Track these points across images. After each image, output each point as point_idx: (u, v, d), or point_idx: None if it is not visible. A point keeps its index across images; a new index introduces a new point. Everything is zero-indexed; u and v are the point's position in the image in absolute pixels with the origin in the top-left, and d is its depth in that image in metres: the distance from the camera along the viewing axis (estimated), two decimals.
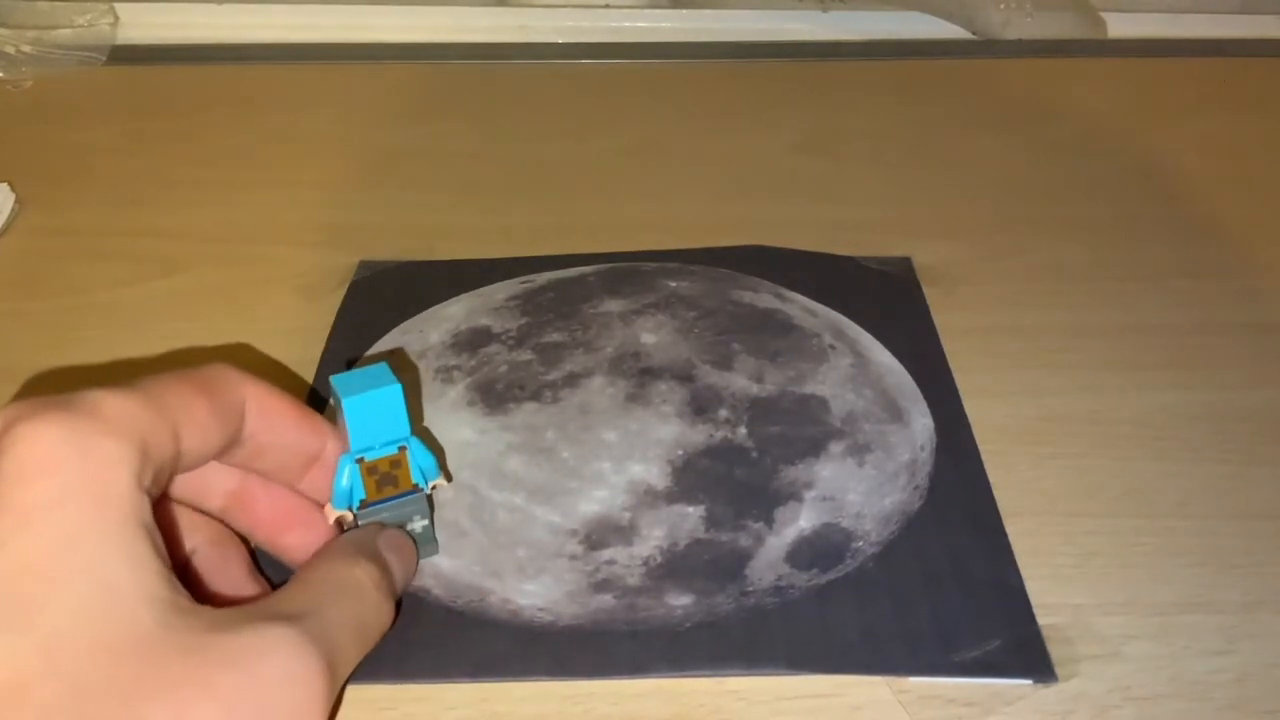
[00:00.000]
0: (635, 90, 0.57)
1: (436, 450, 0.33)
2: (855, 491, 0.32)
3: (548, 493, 0.32)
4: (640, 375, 0.35)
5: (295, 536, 0.28)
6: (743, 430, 0.34)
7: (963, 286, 0.42)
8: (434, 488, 0.29)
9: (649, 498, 0.32)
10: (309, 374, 0.37)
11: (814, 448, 0.33)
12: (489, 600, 0.29)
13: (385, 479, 0.28)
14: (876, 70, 0.59)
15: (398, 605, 0.27)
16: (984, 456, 0.34)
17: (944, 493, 0.32)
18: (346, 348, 0.38)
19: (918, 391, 0.36)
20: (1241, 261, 0.43)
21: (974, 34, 0.62)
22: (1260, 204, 0.47)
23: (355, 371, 0.27)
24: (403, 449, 0.28)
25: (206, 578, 0.27)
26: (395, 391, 0.27)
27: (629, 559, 0.30)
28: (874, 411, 0.35)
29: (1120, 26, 0.63)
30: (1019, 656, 0.28)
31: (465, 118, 0.54)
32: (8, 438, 0.21)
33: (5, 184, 0.46)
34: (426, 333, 0.38)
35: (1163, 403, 0.36)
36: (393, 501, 0.28)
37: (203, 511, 0.28)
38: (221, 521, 0.28)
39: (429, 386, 0.36)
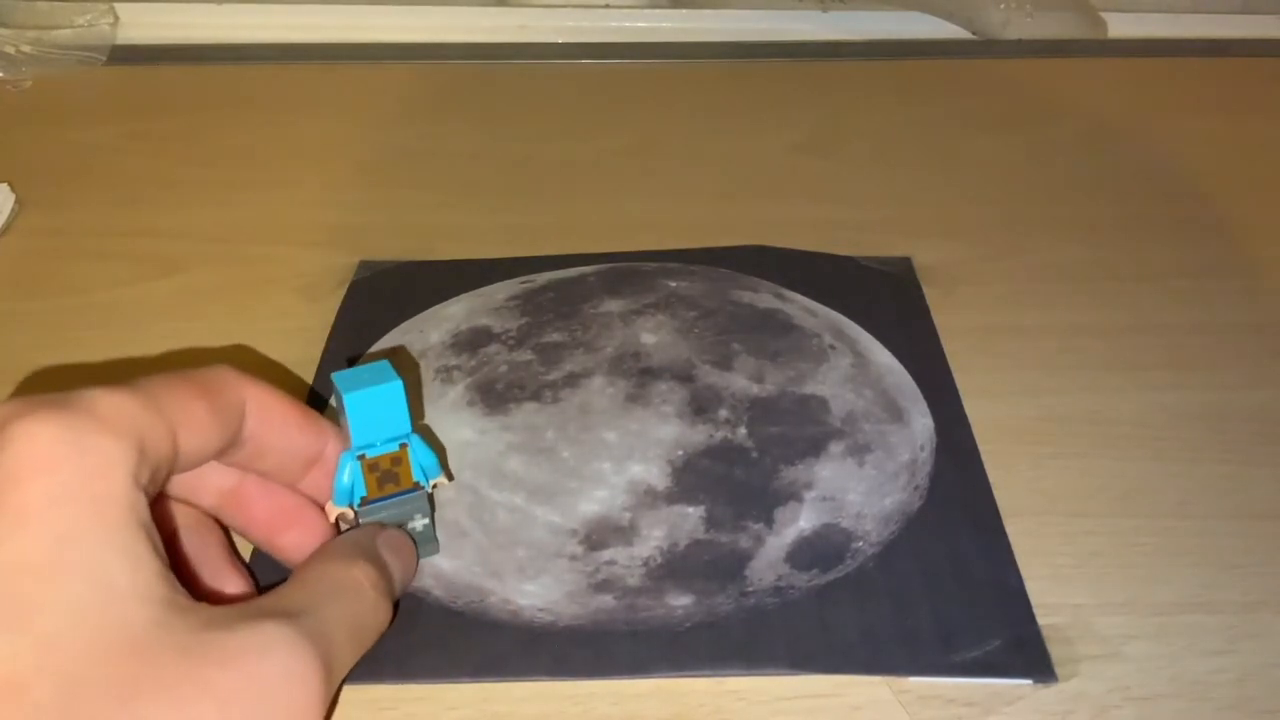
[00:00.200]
0: (635, 90, 0.57)
1: (438, 449, 0.33)
2: (855, 491, 0.32)
3: (548, 493, 0.32)
4: (640, 375, 0.35)
5: (292, 536, 0.28)
6: (743, 430, 0.34)
7: (963, 286, 0.42)
8: (435, 486, 0.29)
9: (649, 498, 0.32)
10: (309, 374, 0.37)
11: (814, 448, 0.33)
12: (489, 601, 0.29)
13: (386, 476, 0.28)
14: (876, 70, 0.59)
15: (396, 606, 0.27)
16: (984, 456, 0.34)
17: (944, 493, 0.32)
18: (346, 348, 0.38)
19: (918, 391, 0.36)
20: (1241, 261, 0.43)
21: (974, 34, 0.62)
22: (1260, 204, 0.47)
23: (357, 369, 0.27)
24: (404, 446, 0.28)
25: (189, 565, 0.27)
26: (396, 388, 0.27)
27: (629, 559, 0.30)
28: (874, 411, 0.35)
29: (1120, 26, 0.63)
30: (1019, 656, 0.28)
31: (465, 118, 0.54)
32: (4, 436, 0.21)
33: (5, 184, 0.46)
34: (426, 333, 0.38)
35: (1163, 403, 0.36)
36: (394, 499, 0.28)
37: (196, 508, 0.28)
38: (215, 519, 0.28)
39: (429, 387, 0.36)
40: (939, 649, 0.28)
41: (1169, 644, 0.29)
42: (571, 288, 0.40)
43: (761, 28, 0.63)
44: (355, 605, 0.25)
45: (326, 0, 0.63)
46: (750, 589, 0.30)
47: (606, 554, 0.30)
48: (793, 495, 0.32)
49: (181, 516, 0.27)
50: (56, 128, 0.53)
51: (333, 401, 0.28)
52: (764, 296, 0.40)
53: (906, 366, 0.37)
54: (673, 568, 0.30)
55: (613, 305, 0.39)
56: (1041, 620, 0.29)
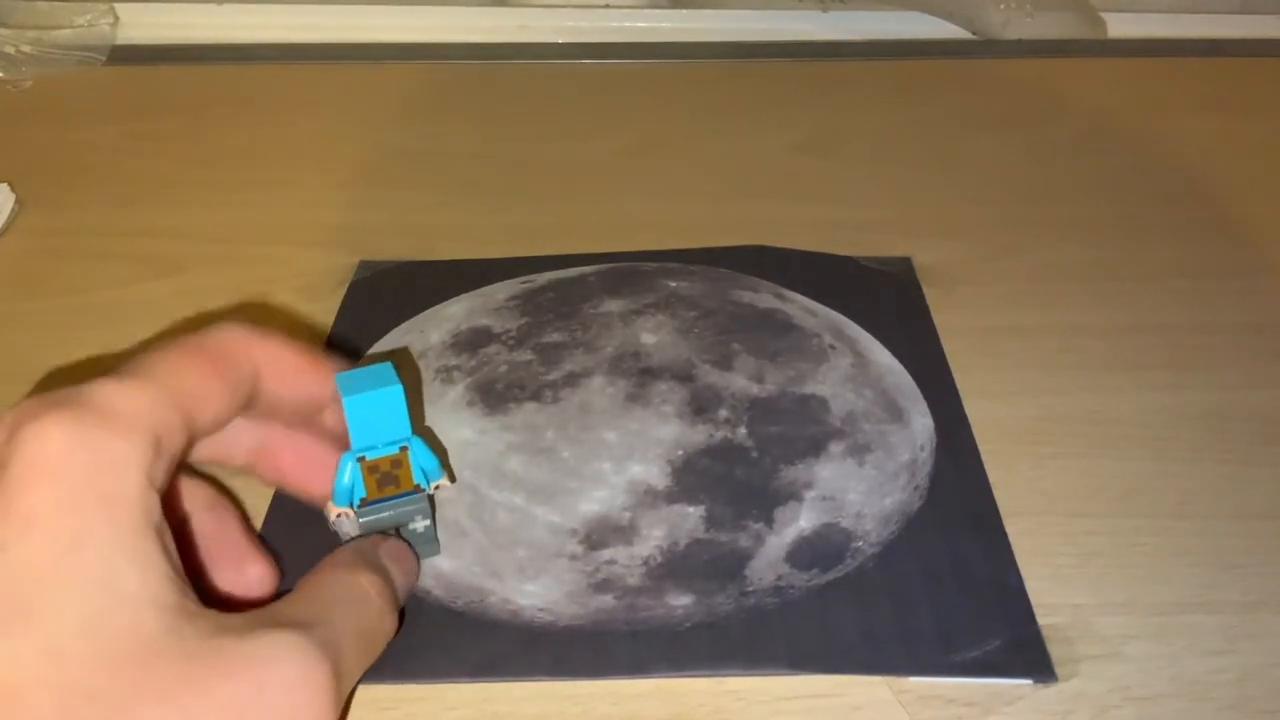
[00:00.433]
0: (635, 90, 0.57)
1: (440, 451, 0.33)
2: (855, 491, 0.32)
3: (548, 493, 0.32)
4: (640, 375, 0.35)
5: (324, 483, 0.28)
6: (743, 430, 0.34)
7: (963, 286, 0.42)
8: (436, 488, 0.29)
9: (649, 498, 0.32)
10: None
11: (814, 448, 0.33)
12: (489, 601, 0.29)
13: (386, 478, 0.28)
14: (876, 70, 0.59)
15: (401, 615, 0.27)
16: (984, 456, 0.34)
17: (944, 493, 0.32)
18: (347, 348, 0.38)
19: (918, 391, 0.36)
20: (1241, 261, 0.43)
21: (974, 34, 0.62)
22: (1260, 204, 0.47)
23: (360, 370, 0.27)
24: (404, 449, 0.28)
25: (204, 544, 0.27)
26: (396, 392, 0.27)
27: (629, 559, 0.30)
28: (874, 411, 0.35)
29: (1120, 26, 0.63)
30: (1019, 656, 0.28)
31: (465, 118, 0.54)
32: (16, 438, 0.21)
33: (5, 184, 0.46)
34: (427, 333, 0.38)
35: (1163, 403, 0.36)
36: (394, 501, 0.28)
37: (228, 469, 0.28)
38: (253, 475, 0.28)
39: (429, 387, 0.36)
40: (939, 649, 0.28)
41: (1169, 644, 0.29)
42: (571, 288, 0.40)
43: (761, 28, 0.63)
44: (363, 614, 0.25)
45: (326, 0, 0.63)
46: (750, 588, 0.30)
47: (606, 553, 0.30)
48: (793, 495, 0.32)
49: (198, 498, 0.27)
50: (56, 128, 0.53)
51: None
52: (764, 296, 0.40)
53: (906, 366, 0.37)
54: (673, 567, 0.30)
55: (613, 305, 0.39)
56: (1041, 620, 0.29)
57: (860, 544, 0.31)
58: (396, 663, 0.28)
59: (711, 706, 0.27)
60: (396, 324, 0.39)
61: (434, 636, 0.28)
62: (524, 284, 0.41)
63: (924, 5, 0.62)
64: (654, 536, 0.31)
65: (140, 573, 0.21)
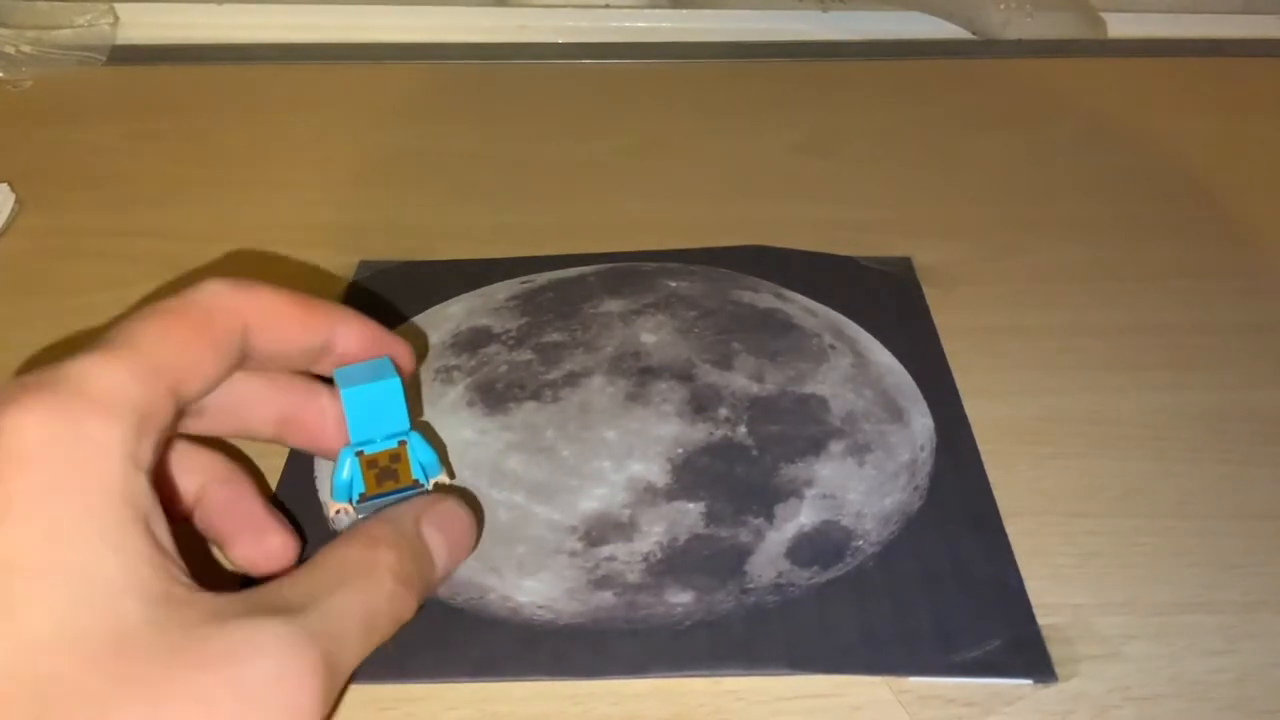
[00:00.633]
0: (635, 90, 0.57)
1: (438, 446, 0.33)
2: (855, 491, 0.32)
3: (548, 491, 0.32)
4: (640, 375, 0.35)
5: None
6: (743, 429, 0.34)
7: (963, 286, 0.42)
8: (435, 485, 0.29)
9: (649, 495, 0.32)
10: None
11: (814, 447, 0.33)
12: (489, 598, 0.29)
13: (385, 473, 0.28)
14: (876, 70, 0.59)
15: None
16: (984, 456, 0.34)
17: (944, 493, 0.32)
18: None
19: (918, 391, 0.36)
20: (1241, 261, 0.43)
21: (974, 34, 0.62)
22: (1260, 204, 0.47)
23: (357, 365, 0.27)
24: (403, 444, 0.28)
25: (219, 516, 0.26)
26: (394, 385, 0.27)
27: (629, 555, 0.30)
28: (874, 411, 0.35)
29: (1120, 26, 0.63)
30: (1019, 656, 0.28)
31: (465, 118, 0.54)
32: None
33: (5, 184, 0.46)
34: (427, 333, 0.38)
35: (1163, 403, 0.36)
36: (393, 496, 0.28)
37: (255, 440, 0.28)
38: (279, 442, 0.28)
39: (429, 387, 0.36)
40: (939, 649, 0.28)
41: (1169, 644, 0.29)
42: (571, 288, 0.40)
43: (761, 28, 0.63)
44: (370, 594, 0.23)
45: (326, 0, 0.63)
46: (750, 585, 0.30)
47: (606, 550, 0.30)
48: (793, 492, 0.32)
49: (212, 470, 0.27)
50: (56, 128, 0.53)
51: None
52: (764, 296, 0.40)
53: (906, 366, 0.37)
54: (673, 563, 0.30)
55: (613, 305, 0.39)
56: (1041, 620, 0.29)
57: (860, 543, 0.31)
58: (396, 662, 0.28)
59: (711, 706, 0.27)
60: (396, 324, 0.39)
61: (434, 635, 0.28)
62: (524, 284, 0.41)
63: (924, 5, 0.62)
64: (654, 533, 0.31)
65: (122, 561, 0.20)
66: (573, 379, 0.35)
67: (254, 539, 0.26)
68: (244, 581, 0.28)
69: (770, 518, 0.31)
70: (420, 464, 0.28)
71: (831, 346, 0.37)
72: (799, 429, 0.34)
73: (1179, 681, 0.28)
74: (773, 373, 0.36)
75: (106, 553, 0.20)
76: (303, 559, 0.28)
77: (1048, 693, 0.27)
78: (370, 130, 0.53)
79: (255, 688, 0.20)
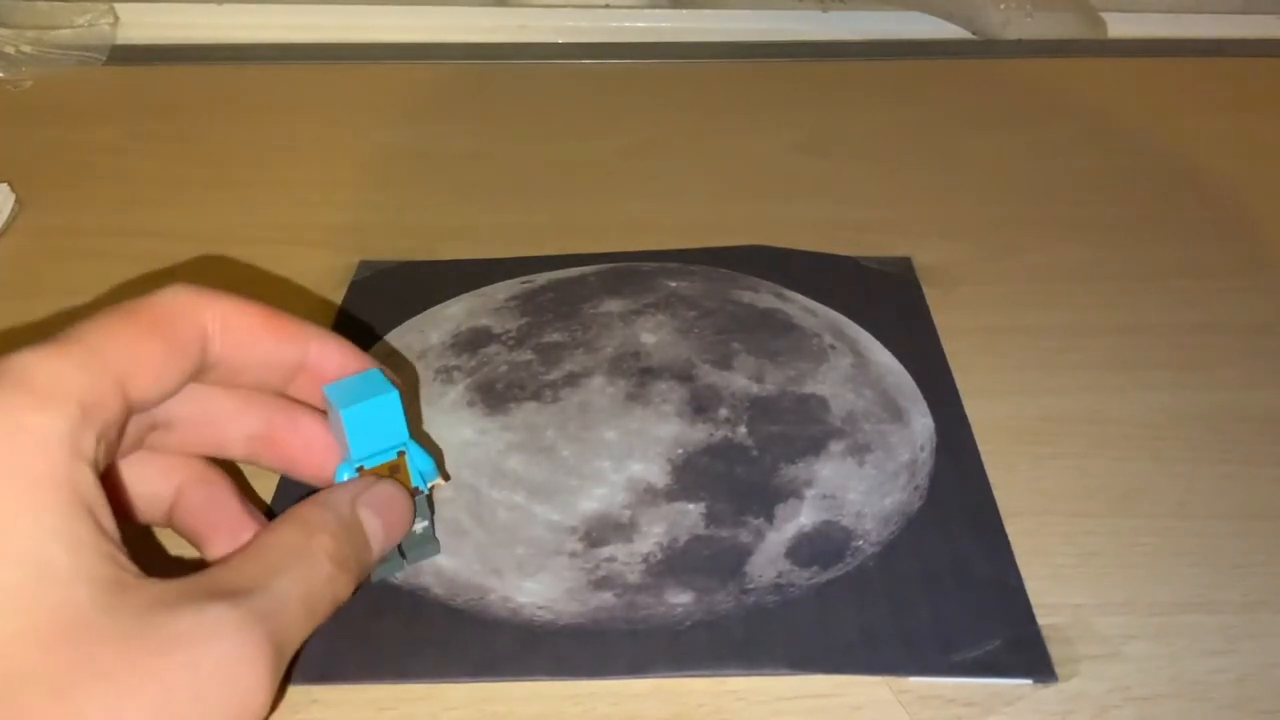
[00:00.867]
0: (635, 90, 0.57)
1: (434, 452, 0.33)
2: (855, 491, 0.32)
3: (548, 491, 0.32)
4: (640, 375, 0.35)
5: (336, 464, 0.27)
6: (743, 429, 0.34)
7: (963, 286, 0.42)
8: (433, 488, 0.29)
9: (649, 495, 0.32)
10: None
11: (814, 447, 0.33)
12: (489, 598, 0.29)
13: None
14: (876, 70, 0.59)
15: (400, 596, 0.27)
16: (984, 456, 0.34)
17: (944, 493, 0.32)
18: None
19: (918, 391, 0.36)
20: (1241, 261, 0.43)
21: (974, 34, 0.62)
22: (1260, 204, 0.47)
23: (348, 380, 0.27)
24: (401, 454, 0.28)
25: (195, 516, 0.26)
26: (393, 398, 0.27)
27: (629, 555, 0.30)
28: (874, 411, 0.35)
29: (1120, 26, 0.63)
30: (1019, 656, 0.28)
31: (465, 118, 0.54)
32: None
33: (5, 184, 0.46)
34: (426, 333, 0.38)
35: (1163, 403, 0.36)
36: None
37: (227, 459, 0.27)
38: (252, 463, 0.27)
39: (429, 387, 0.36)
40: (939, 649, 0.28)
41: (1169, 644, 0.29)
42: (571, 288, 0.40)
43: (761, 28, 0.63)
44: (309, 577, 0.24)
45: (326, 0, 0.63)
46: (750, 586, 0.30)
47: (606, 550, 0.30)
48: (793, 492, 0.32)
49: (187, 472, 0.27)
50: (56, 128, 0.53)
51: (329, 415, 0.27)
52: (764, 296, 0.40)
53: (906, 366, 0.37)
54: (673, 563, 0.30)
55: (613, 305, 0.39)
56: (1041, 620, 0.29)
57: (860, 543, 0.31)
58: (396, 662, 0.28)
59: (711, 706, 0.27)
60: (396, 324, 0.39)
61: (433, 635, 0.28)
62: (524, 284, 0.41)
63: (924, 5, 0.62)
64: (654, 533, 0.31)
65: (69, 549, 0.20)
66: (573, 379, 0.35)
67: (231, 537, 0.26)
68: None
69: (770, 518, 0.31)
70: (419, 472, 0.28)
71: (831, 346, 0.37)
72: (799, 429, 0.34)
73: (1179, 681, 0.28)
74: (773, 373, 0.36)
75: (52, 542, 0.20)
76: None
77: (1048, 693, 0.27)
78: (370, 130, 0.53)
79: (209, 670, 0.20)
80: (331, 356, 0.27)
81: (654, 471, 0.32)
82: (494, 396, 0.35)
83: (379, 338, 0.38)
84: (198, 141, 0.52)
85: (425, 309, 0.40)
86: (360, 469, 0.27)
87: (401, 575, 0.30)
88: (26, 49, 0.57)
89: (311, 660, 0.27)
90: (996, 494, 0.32)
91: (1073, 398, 0.36)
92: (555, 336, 0.37)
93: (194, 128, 0.53)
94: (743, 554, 0.30)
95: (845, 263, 0.42)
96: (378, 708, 0.27)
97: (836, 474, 0.32)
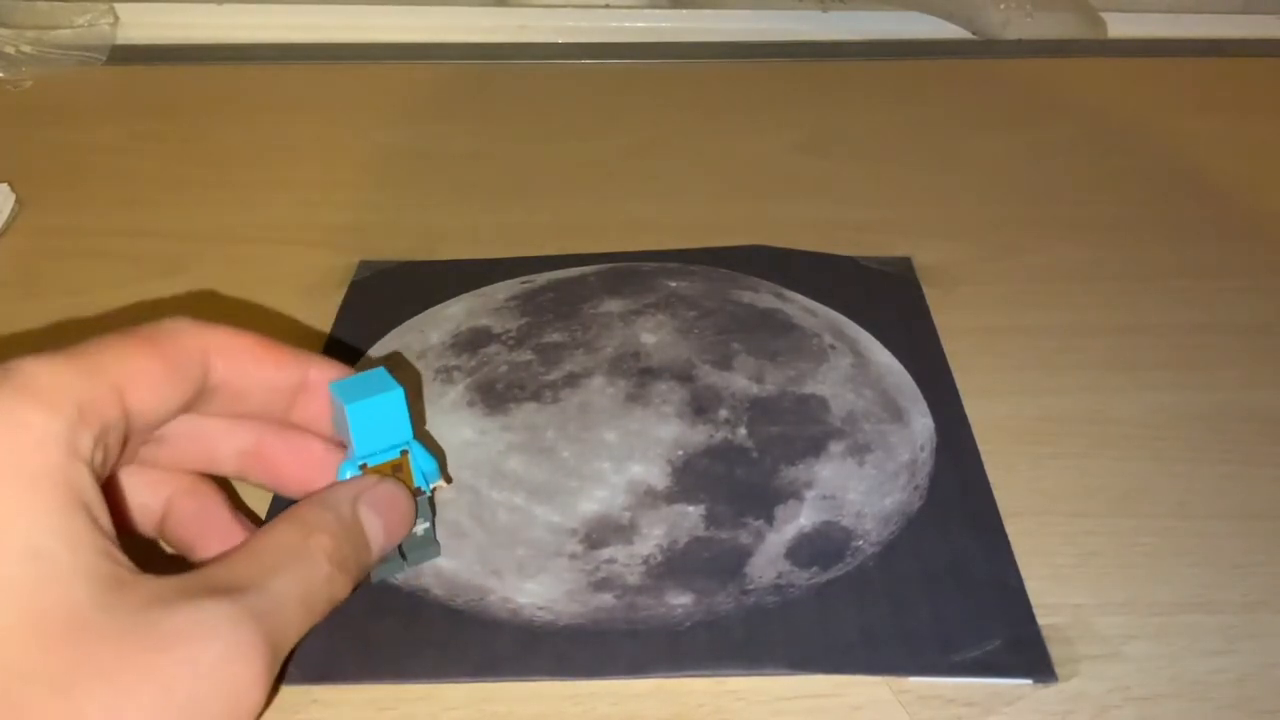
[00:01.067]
0: (635, 90, 0.57)
1: (437, 453, 0.33)
2: (855, 491, 0.32)
3: (548, 492, 0.32)
4: (640, 375, 0.35)
5: (324, 483, 0.27)
6: (743, 430, 0.34)
7: (963, 286, 0.42)
8: (435, 489, 0.29)
9: (649, 497, 0.32)
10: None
11: (814, 447, 0.33)
12: (489, 599, 0.29)
13: None
14: (876, 70, 0.59)
15: (401, 594, 0.27)
16: (984, 456, 0.34)
17: (944, 493, 0.32)
18: (346, 348, 0.38)
19: (918, 391, 0.36)
20: (1241, 261, 0.43)
21: (974, 34, 0.62)
22: (1260, 204, 0.47)
23: (353, 378, 0.27)
24: (405, 453, 0.28)
25: (190, 529, 0.27)
26: (398, 396, 0.27)
27: (629, 557, 0.30)
28: (874, 411, 0.35)
29: (1120, 26, 0.63)
30: (1019, 656, 0.28)
31: (465, 118, 0.54)
32: None
33: (5, 184, 0.46)
34: (427, 333, 0.38)
35: (1163, 403, 0.36)
36: None
37: (217, 475, 0.27)
38: (243, 479, 0.28)
39: (429, 387, 0.36)
40: (939, 649, 0.28)
41: (1169, 644, 0.29)
42: (571, 288, 0.40)
43: (761, 28, 0.63)
44: (307, 576, 0.24)
45: (326, 0, 0.63)
46: (750, 587, 0.30)
47: (606, 552, 0.30)
48: (793, 494, 0.32)
49: (177, 485, 0.27)
50: (56, 128, 0.53)
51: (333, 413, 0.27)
52: (764, 296, 0.40)
53: (906, 366, 0.37)
54: (673, 565, 0.30)
55: (613, 305, 0.39)
56: (1041, 620, 0.29)
57: (860, 543, 0.31)
58: (396, 663, 0.28)
59: (711, 706, 0.27)
60: (396, 324, 0.39)
61: (433, 635, 0.28)
62: (524, 284, 0.41)
63: (924, 5, 0.62)
64: (654, 535, 0.31)
65: (68, 546, 0.20)
66: (573, 379, 0.35)
67: (222, 544, 0.26)
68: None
69: (770, 520, 0.31)
70: (422, 471, 0.28)
71: (831, 346, 0.37)
72: (799, 429, 0.34)
73: (1179, 681, 0.28)
74: (773, 373, 0.36)
75: (49, 537, 0.20)
76: None
77: (1048, 693, 0.27)
78: (370, 130, 0.53)
79: (205, 667, 0.21)
80: (333, 377, 0.27)
81: (654, 473, 0.32)
82: (494, 397, 0.35)
83: (379, 338, 0.38)
84: (198, 141, 0.52)
85: (425, 309, 0.40)
86: (363, 466, 0.27)
87: (401, 576, 0.30)
88: (26, 49, 0.57)
89: (311, 660, 0.27)
90: (996, 494, 0.32)
91: (1073, 398, 0.36)
92: (555, 337, 0.37)
93: (194, 128, 0.53)
94: (743, 555, 0.30)
95: (845, 263, 0.42)
96: (377, 708, 0.27)
97: (836, 474, 0.32)
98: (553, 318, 0.38)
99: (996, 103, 0.56)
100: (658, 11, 0.64)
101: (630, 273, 0.41)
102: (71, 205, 0.47)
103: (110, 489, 0.25)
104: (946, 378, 0.37)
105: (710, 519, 0.31)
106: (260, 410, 0.27)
